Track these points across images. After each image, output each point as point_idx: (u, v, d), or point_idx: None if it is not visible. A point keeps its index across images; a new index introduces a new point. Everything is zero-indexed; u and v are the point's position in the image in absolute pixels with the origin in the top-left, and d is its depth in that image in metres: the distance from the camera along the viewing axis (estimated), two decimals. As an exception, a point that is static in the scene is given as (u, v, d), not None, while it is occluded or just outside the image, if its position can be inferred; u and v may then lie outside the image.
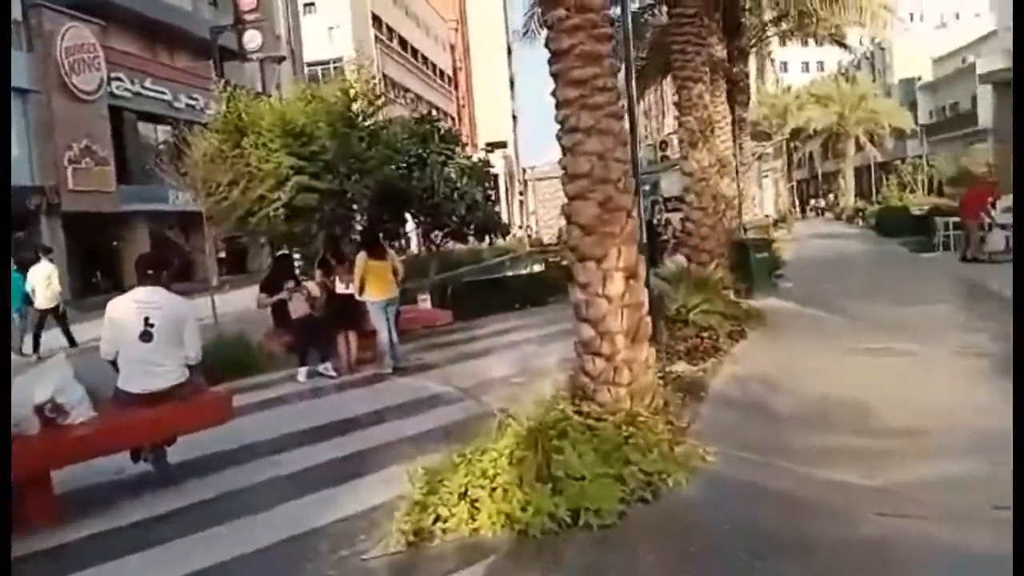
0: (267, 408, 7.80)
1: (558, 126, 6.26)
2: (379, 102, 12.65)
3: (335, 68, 27.90)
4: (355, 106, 12.35)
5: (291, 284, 9.31)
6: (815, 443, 5.21)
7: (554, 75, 6.21)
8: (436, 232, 14.37)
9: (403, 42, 55.94)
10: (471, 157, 14.95)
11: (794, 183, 56.75)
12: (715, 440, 5.16)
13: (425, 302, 12.00)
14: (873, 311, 10.50)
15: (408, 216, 13.72)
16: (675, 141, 45.20)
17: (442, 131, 14.20)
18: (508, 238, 21.86)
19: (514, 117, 79.75)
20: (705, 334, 8.63)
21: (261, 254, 28.18)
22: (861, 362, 7.66)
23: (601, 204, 5.96)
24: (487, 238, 15.44)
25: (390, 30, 53.61)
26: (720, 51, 17.75)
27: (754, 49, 24.09)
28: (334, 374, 9.09)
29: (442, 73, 67.47)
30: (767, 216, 30.81)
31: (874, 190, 47.89)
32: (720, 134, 15.65)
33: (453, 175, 13.24)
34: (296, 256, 11.75)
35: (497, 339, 11.39)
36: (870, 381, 6.89)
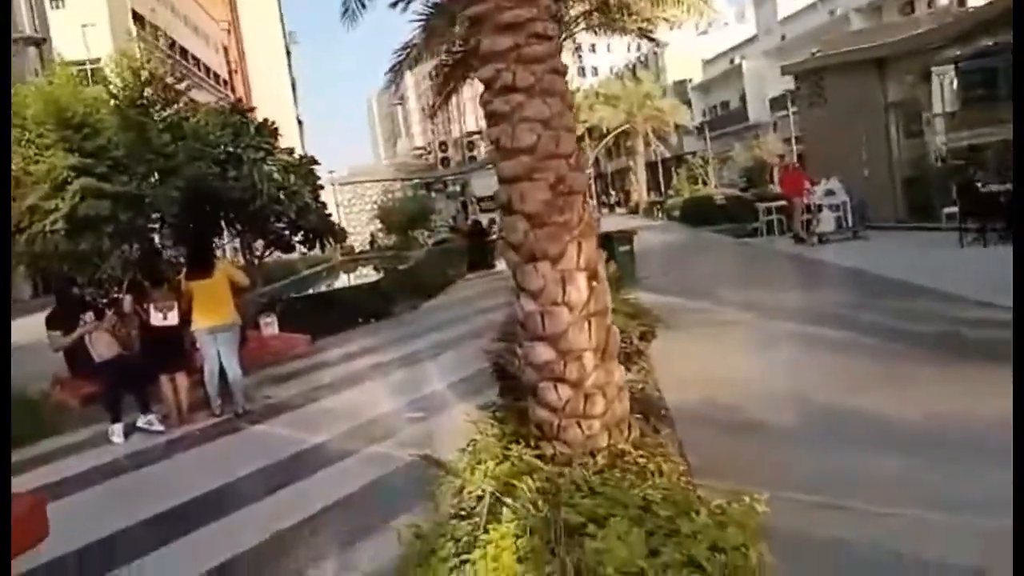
0: (74, 490, 5.49)
1: (483, 87, 4.85)
2: (181, 85, 10.33)
3: (92, 70, 24.21)
4: (148, 91, 10.00)
5: (90, 316, 7.01)
6: (851, 466, 4.22)
7: (475, 20, 4.76)
8: (259, 241, 12.15)
9: (171, 43, 50.82)
10: (292, 152, 12.83)
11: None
12: (722, 476, 4.02)
13: (271, 325, 9.83)
14: (752, 298, 10.09)
15: (223, 224, 11.42)
16: (481, 142, 44.78)
17: (256, 123, 12.01)
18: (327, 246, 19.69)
19: (299, 122, 75.82)
20: (615, 337, 7.58)
21: (18, 281, 23.73)
22: (788, 356, 7.02)
23: (552, 186, 4.57)
24: (319, 245, 13.45)
25: (155, 28, 48.44)
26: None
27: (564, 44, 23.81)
28: (162, 428, 6.90)
29: (216, 76, 62.48)
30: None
31: (662, 184, 50.56)
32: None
33: (276, 175, 11.16)
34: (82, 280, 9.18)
35: (354, 363, 9.51)
36: (817, 379, 6.19)
